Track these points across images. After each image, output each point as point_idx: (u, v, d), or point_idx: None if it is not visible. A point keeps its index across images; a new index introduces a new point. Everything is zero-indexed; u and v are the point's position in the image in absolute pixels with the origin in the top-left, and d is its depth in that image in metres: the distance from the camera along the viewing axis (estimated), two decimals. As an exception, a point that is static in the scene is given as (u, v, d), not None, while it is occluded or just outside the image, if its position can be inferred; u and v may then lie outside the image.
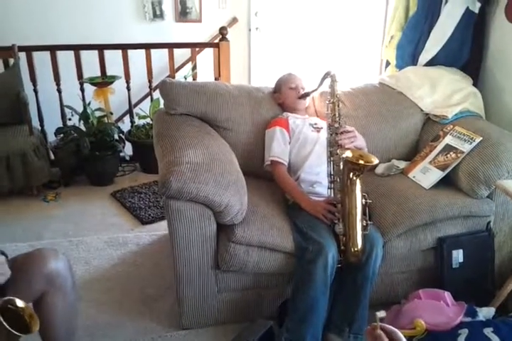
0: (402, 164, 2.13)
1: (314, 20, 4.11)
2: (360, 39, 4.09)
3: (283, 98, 2.16)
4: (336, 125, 1.87)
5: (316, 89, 2.03)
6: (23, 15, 3.66)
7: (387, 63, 2.89)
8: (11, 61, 3.07)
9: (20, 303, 1.13)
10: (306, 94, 2.09)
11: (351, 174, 1.63)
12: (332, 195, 1.81)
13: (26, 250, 1.40)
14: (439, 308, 1.63)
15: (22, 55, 3.07)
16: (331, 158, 1.84)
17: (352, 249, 1.65)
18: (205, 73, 3.50)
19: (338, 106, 1.90)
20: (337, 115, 1.88)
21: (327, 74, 1.93)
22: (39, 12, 3.69)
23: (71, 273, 1.42)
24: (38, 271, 1.30)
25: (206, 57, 3.56)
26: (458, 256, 1.83)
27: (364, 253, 1.66)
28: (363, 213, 1.68)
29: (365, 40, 4.04)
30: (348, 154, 1.63)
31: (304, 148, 1.99)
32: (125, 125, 3.46)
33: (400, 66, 2.68)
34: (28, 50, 3.09)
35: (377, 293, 1.80)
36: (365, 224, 1.67)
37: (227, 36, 3.35)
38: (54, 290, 1.35)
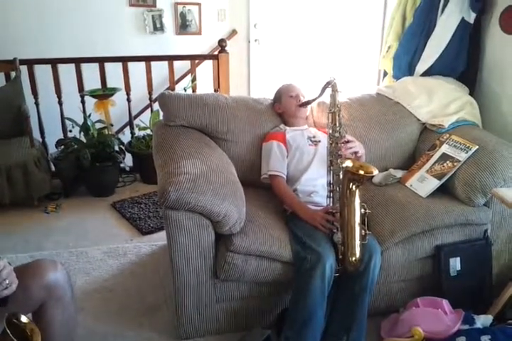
0: (399, 173, 2.14)
1: (312, 31, 4.17)
2: (357, 50, 4.14)
3: (283, 107, 2.18)
4: (337, 134, 1.87)
5: (317, 98, 2.03)
6: (24, 28, 3.70)
7: (385, 73, 2.92)
8: (13, 74, 3.10)
9: (24, 318, 1.16)
10: (307, 102, 2.09)
11: (351, 184, 1.63)
12: (331, 203, 1.82)
13: (26, 261, 1.42)
14: (437, 316, 1.63)
15: (23, 68, 3.11)
16: (331, 168, 1.84)
17: (350, 259, 1.65)
18: (205, 85, 3.53)
19: (339, 115, 1.91)
20: (337, 124, 1.89)
21: (328, 84, 1.94)
22: (40, 26, 3.74)
23: (70, 284, 1.42)
24: (37, 282, 1.31)
25: (206, 69, 3.60)
26: (455, 264, 1.83)
27: (362, 263, 1.66)
28: (362, 223, 1.68)
29: (363, 50, 4.09)
30: (348, 164, 1.64)
31: (301, 163, 2.00)
32: (125, 136, 3.48)
33: (397, 76, 2.71)
34: (30, 63, 3.13)
35: (375, 301, 1.81)
36: (363, 234, 1.67)
37: (226, 48, 3.39)
38: (53, 301, 1.35)
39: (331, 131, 1.90)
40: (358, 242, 1.65)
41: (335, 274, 1.64)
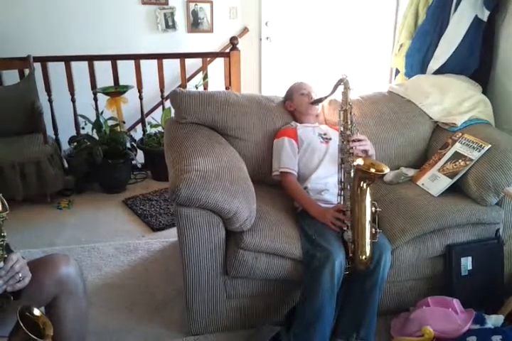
0: (410, 172, 2.13)
1: (324, 28, 4.15)
2: (370, 47, 4.11)
3: (295, 105, 2.18)
4: (348, 132, 1.86)
5: (329, 95, 2.01)
6: (38, 26, 3.74)
7: (397, 71, 2.90)
8: (27, 71, 3.14)
9: (36, 312, 1.18)
10: (320, 100, 2.08)
11: (362, 182, 1.63)
12: (342, 202, 1.82)
13: (39, 256, 1.43)
14: (448, 315, 1.62)
15: (37, 66, 3.14)
16: (342, 165, 1.83)
17: (360, 257, 1.65)
18: (217, 82, 3.55)
19: (351, 113, 1.89)
20: (349, 122, 1.88)
21: (340, 81, 1.93)
22: (54, 23, 3.77)
23: (82, 279, 1.43)
24: (50, 276, 1.32)
25: (217, 67, 3.61)
26: (467, 263, 1.82)
27: (372, 261, 1.66)
28: (373, 221, 1.68)
29: (375, 48, 4.07)
30: (359, 162, 1.63)
31: (312, 160, 1.99)
32: (137, 133, 3.51)
33: (409, 74, 2.69)
34: (43, 60, 3.17)
35: (385, 299, 1.81)
36: (374, 232, 1.67)
37: (237, 46, 3.39)
38: (65, 295, 1.36)
39: (342, 129, 1.89)
40: (368, 240, 1.65)
41: (345, 272, 1.64)
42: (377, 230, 1.68)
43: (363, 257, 1.65)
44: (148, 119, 3.53)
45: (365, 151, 1.92)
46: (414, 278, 1.87)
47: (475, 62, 2.44)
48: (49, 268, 1.34)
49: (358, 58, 4.15)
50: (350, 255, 1.67)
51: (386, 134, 2.23)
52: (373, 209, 1.68)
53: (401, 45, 2.80)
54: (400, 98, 2.38)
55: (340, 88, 1.95)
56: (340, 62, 4.14)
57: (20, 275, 1.20)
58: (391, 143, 2.23)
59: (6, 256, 1.19)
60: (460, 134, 2.08)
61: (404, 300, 1.89)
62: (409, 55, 2.70)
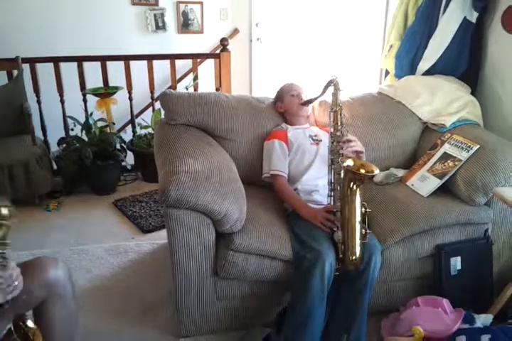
0: (400, 172, 2.14)
1: (315, 30, 4.17)
2: (359, 48, 4.13)
3: (285, 106, 2.18)
4: (338, 133, 1.87)
5: (319, 96, 2.02)
6: (25, 27, 3.71)
7: (387, 72, 2.92)
8: (15, 72, 3.11)
9: (29, 323, 1.23)
10: (310, 101, 2.09)
11: (351, 183, 1.64)
12: (332, 202, 1.82)
13: (28, 258, 1.41)
14: (438, 315, 1.63)
15: (25, 67, 3.12)
16: (332, 166, 1.85)
17: (350, 257, 1.65)
18: (207, 84, 3.54)
19: (341, 114, 1.91)
20: (339, 123, 1.89)
21: (330, 82, 1.94)
22: (42, 24, 3.75)
23: (71, 282, 1.42)
24: (38, 279, 1.31)
25: (208, 68, 3.61)
26: (456, 263, 1.83)
27: (362, 262, 1.67)
28: (363, 222, 1.68)
29: (365, 49, 4.09)
30: (349, 163, 1.64)
31: (302, 162, 2.00)
32: (127, 135, 3.49)
33: (398, 75, 2.71)
34: (32, 61, 3.14)
35: (375, 300, 1.81)
36: (364, 233, 1.67)
37: (228, 47, 3.39)
38: (54, 299, 1.35)
39: (332, 130, 1.90)
40: (358, 241, 1.66)
41: (335, 273, 1.65)
42: (367, 231, 1.69)
43: (353, 258, 1.66)
44: (138, 121, 3.51)
45: (356, 152, 1.92)
46: (404, 278, 1.88)
47: (464, 63, 2.46)
48: (37, 271, 1.32)
49: (348, 59, 4.17)
50: (341, 256, 1.67)
51: (376, 135, 2.24)
52: (363, 209, 1.69)
53: (391, 46, 2.82)
54: (390, 99, 2.39)
55: (331, 89, 1.96)
56: (331, 63, 4.16)
57: (16, 283, 1.19)
58: (381, 143, 2.24)
59: (5, 264, 1.18)
60: (449, 135, 2.09)
61: (394, 300, 1.89)
62: (398, 56, 2.71)
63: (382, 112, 2.31)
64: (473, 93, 2.43)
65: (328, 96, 2.01)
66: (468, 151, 1.95)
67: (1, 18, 3.66)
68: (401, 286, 1.90)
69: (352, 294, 1.67)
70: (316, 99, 2.07)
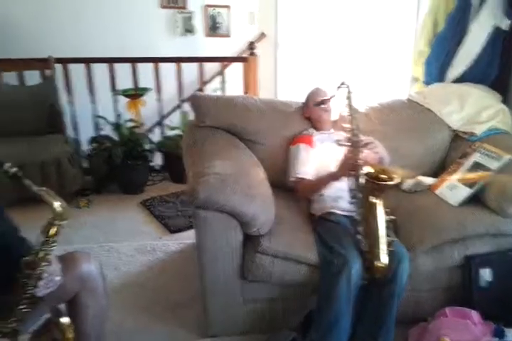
0: (429, 180, 2.12)
1: (342, 35, 4.14)
2: (389, 54, 4.09)
3: (309, 112, 2.19)
4: (356, 138, 1.81)
5: (331, 98, 1.97)
6: (58, 27, 3.80)
7: (416, 79, 2.90)
8: (48, 72, 3.18)
9: (64, 319, 1.29)
10: (321, 102, 2.03)
11: (372, 192, 1.62)
12: (355, 209, 1.81)
13: (58, 253, 1.43)
14: (466, 327, 1.61)
15: (58, 67, 3.20)
16: (351, 173, 1.79)
17: (377, 265, 1.64)
18: (234, 87, 3.57)
19: (355, 118, 1.85)
20: (355, 127, 1.82)
21: (342, 84, 1.89)
22: (74, 25, 3.84)
23: (102, 277, 1.44)
24: (71, 273, 1.33)
25: (235, 71, 3.64)
26: (486, 275, 1.80)
27: (390, 269, 1.65)
28: (388, 229, 1.67)
29: (394, 55, 4.05)
30: (368, 170, 1.62)
31: (328, 167, 1.97)
32: (154, 135, 3.55)
33: (428, 82, 2.69)
34: (64, 61, 3.22)
35: (402, 309, 1.78)
36: (390, 241, 1.66)
37: (255, 51, 3.41)
38: (86, 293, 1.38)
39: (350, 135, 1.82)
40: (384, 249, 1.64)
41: (363, 281, 1.64)
42: (394, 238, 1.68)
43: (380, 265, 1.64)
44: (165, 122, 3.56)
45: (379, 159, 1.90)
46: (433, 287, 1.86)
47: (494, 71, 2.44)
48: (71, 265, 1.35)
49: (377, 65, 4.13)
50: (368, 263, 1.66)
51: (404, 142, 2.23)
52: (387, 217, 1.67)
53: (420, 53, 2.80)
54: (419, 106, 2.38)
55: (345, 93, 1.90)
56: (359, 69, 4.13)
57: (58, 278, 1.23)
58: (409, 151, 2.23)
59: (50, 260, 1.22)
60: (480, 144, 2.07)
61: (422, 309, 1.87)
62: (428, 62, 2.70)
63: (411, 119, 2.30)
64: (504, 101, 2.39)
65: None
66: (499, 161, 1.93)
67: (37, 20, 3.75)
68: (429, 296, 1.88)
69: (380, 302, 1.66)
70: (328, 100, 2.03)
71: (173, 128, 3.39)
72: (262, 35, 4.25)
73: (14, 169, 1.16)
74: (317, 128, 2.17)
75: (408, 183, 2.10)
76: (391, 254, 1.66)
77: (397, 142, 2.21)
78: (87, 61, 3.27)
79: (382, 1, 3.95)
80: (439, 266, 1.80)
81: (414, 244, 1.78)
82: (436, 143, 2.27)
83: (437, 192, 2.04)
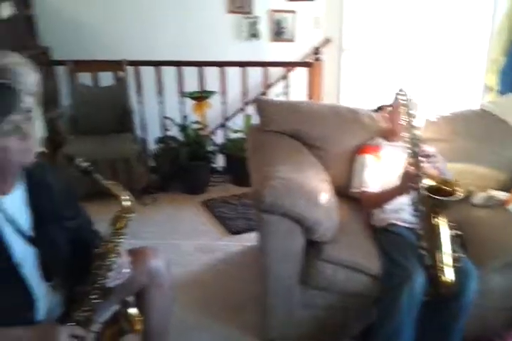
0: (501, 195, 2.03)
1: (411, 40, 4.03)
2: (461, 62, 3.93)
3: (396, 117, 2.09)
4: (416, 149, 1.75)
5: (390, 105, 1.94)
6: (132, 32, 3.95)
7: (490, 88, 2.79)
8: (120, 74, 3.33)
9: (132, 310, 1.32)
10: (379, 108, 2.03)
11: (433, 209, 1.58)
12: (418, 221, 1.75)
13: (127, 248, 1.44)
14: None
15: (130, 69, 3.34)
16: (411, 185, 1.72)
17: (443, 280, 1.59)
18: (297, 91, 3.58)
19: (414, 126, 1.79)
20: (415, 137, 1.76)
21: (400, 92, 1.85)
22: (144, 29, 3.97)
23: (170, 273, 1.48)
24: (140, 267, 1.37)
25: (298, 76, 3.65)
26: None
27: (456, 286, 1.60)
28: (455, 244, 1.62)
29: (467, 62, 3.89)
30: (428, 182, 1.57)
31: (393, 181, 1.89)
32: (217, 137, 3.62)
33: (503, 92, 2.59)
34: (136, 64, 3.36)
35: (468, 327, 1.72)
36: (456, 257, 1.61)
37: (320, 56, 3.40)
38: (154, 287, 1.42)
39: (409, 146, 1.76)
40: (449, 264, 1.59)
41: (426, 296, 1.59)
42: (460, 254, 1.62)
43: (446, 280, 1.59)
44: (228, 124, 3.63)
45: (438, 168, 1.82)
46: (502, 307, 1.78)
47: None
48: (140, 259, 1.38)
49: (449, 73, 3.97)
50: (432, 278, 1.61)
51: (476, 153, 2.15)
52: (452, 232, 1.62)
53: (495, 61, 2.70)
54: (493, 116, 2.29)
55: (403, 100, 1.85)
56: (427, 76, 3.99)
57: (127, 270, 1.28)
58: (480, 163, 2.14)
59: (120, 252, 1.27)
60: (560, 159, 1.96)
61: (489, 329, 1.79)
62: (503, 71, 2.59)
63: (484, 129, 2.21)
64: None
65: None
66: None
67: (111, 25, 3.94)
68: (498, 316, 1.80)
69: (446, 318, 1.61)
70: (387, 107, 1.98)
71: (236, 131, 3.44)
72: (327, 40, 4.23)
73: (85, 164, 1.19)
74: (389, 138, 2.08)
75: (479, 197, 2.02)
76: (458, 270, 1.60)
77: (468, 153, 2.14)
78: (157, 64, 3.39)
79: (455, 3, 3.80)
80: (509, 284, 1.72)
81: (484, 261, 1.71)
82: (510, 155, 2.16)
83: (510, 207, 1.95)
